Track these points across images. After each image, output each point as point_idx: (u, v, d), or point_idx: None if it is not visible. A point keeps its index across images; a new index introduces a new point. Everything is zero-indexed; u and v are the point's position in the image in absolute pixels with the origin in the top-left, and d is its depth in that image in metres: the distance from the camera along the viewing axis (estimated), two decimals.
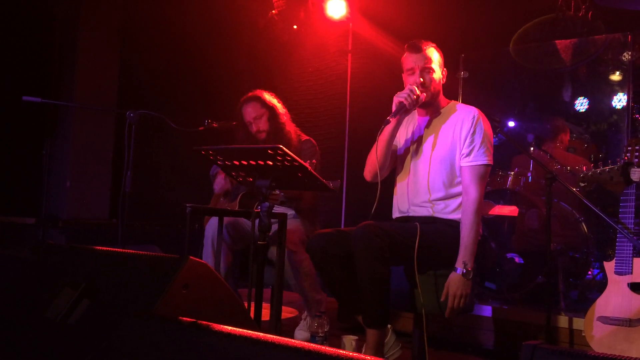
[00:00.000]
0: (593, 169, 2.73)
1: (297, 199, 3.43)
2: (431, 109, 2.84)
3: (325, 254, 2.58)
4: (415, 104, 2.69)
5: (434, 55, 2.78)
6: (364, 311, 2.52)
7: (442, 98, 2.86)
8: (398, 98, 2.66)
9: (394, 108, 2.66)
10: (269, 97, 3.54)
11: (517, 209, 4.08)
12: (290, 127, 3.53)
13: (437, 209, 2.74)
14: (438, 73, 2.79)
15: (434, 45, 2.81)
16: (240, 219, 3.43)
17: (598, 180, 2.70)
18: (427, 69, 2.74)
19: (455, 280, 2.57)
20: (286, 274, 3.19)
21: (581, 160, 4.37)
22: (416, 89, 2.68)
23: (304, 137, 3.56)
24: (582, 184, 2.76)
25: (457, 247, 2.66)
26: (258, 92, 3.55)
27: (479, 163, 2.67)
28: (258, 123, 3.47)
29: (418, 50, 2.76)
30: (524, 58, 4.90)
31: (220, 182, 3.56)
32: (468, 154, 2.68)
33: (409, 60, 2.78)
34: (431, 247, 2.60)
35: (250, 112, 3.48)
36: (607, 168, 2.67)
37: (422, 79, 2.73)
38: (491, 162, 2.71)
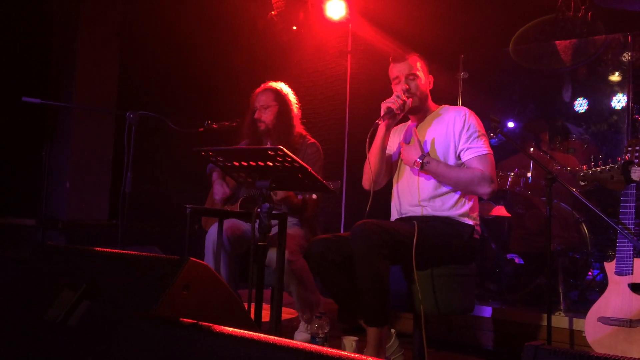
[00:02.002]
0: (593, 168, 2.73)
1: (297, 211, 3.37)
2: (421, 114, 2.94)
3: (323, 259, 2.62)
4: (403, 109, 2.80)
5: (418, 63, 2.89)
6: (363, 309, 2.53)
7: (430, 103, 2.96)
8: (385, 104, 2.77)
9: (382, 113, 2.76)
10: (287, 93, 3.47)
11: (516, 210, 4.08)
12: (297, 131, 3.48)
13: (434, 207, 2.79)
14: (423, 79, 2.89)
15: (417, 54, 2.93)
16: (239, 223, 3.40)
17: (598, 179, 2.70)
18: (411, 76, 2.85)
19: (413, 150, 2.77)
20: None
21: (575, 161, 4.37)
22: (402, 94, 2.79)
23: (310, 140, 3.52)
24: (583, 183, 2.76)
25: (454, 245, 2.69)
26: (279, 85, 3.49)
27: (484, 152, 2.76)
28: (262, 112, 3.41)
29: (401, 59, 2.88)
30: (523, 58, 4.90)
31: (219, 190, 3.50)
32: (469, 148, 2.77)
33: (394, 70, 2.90)
34: (429, 245, 2.63)
35: (261, 99, 3.43)
36: (607, 167, 2.67)
37: (407, 86, 2.84)
38: (491, 152, 2.81)
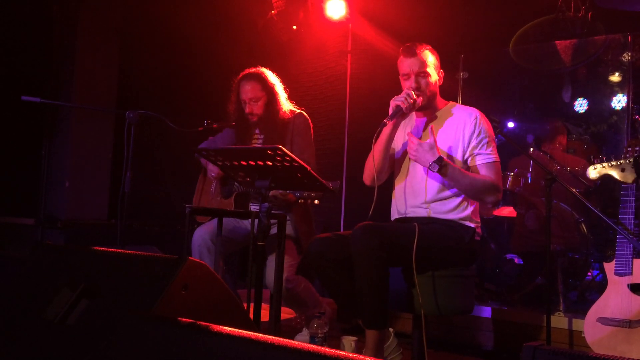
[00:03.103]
0: (606, 160, 2.71)
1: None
2: (428, 111, 2.86)
3: (323, 258, 2.59)
4: (412, 108, 2.72)
5: (429, 59, 2.79)
6: (362, 312, 2.51)
7: (439, 100, 2.88)
8: (395, 101, 2.69)
9: (390, 111, 2.69)
10: (271, 79, 3.38)
11: (515, 210, 4.08)
12: (285, 110, 3.37)
13: (435, 210, 2.75)
14: (434, 76, 2.80)
15: (429, 47, 2.82)
16: (234, 227, 3.37)
17: (609, 171, 2.69)
18: (422, 73, 2.76)
19: (429, 149, 2.61)
20: (285, 302, 3.16)
21: (581, 161, 4.37)
22: (413, 93, 2.70)
23: (296, 111, 3.40)
24: (594, 176, 2.75)
25: (455, 248, 2.67)
26: (261, 71, 3.39)
27: (493, 160, 2.72)
28: (253, 105, 3.32)
29: (412, 54, 2.76)
30: (523, 59, 4.89)
31: (214, 167, 3.31)
32: (479, 153, 2.72)
33: (404, 64, 2.79)
34: (429, 247, 2.60)
35: (248, 91, 3.32)
36: (618, 161, 2.67)
37: (417, 84, 2.75)
38: (499, 159, 2.77)
